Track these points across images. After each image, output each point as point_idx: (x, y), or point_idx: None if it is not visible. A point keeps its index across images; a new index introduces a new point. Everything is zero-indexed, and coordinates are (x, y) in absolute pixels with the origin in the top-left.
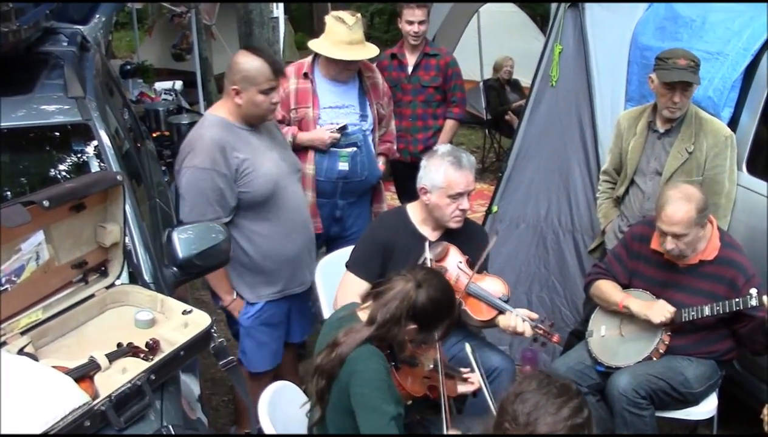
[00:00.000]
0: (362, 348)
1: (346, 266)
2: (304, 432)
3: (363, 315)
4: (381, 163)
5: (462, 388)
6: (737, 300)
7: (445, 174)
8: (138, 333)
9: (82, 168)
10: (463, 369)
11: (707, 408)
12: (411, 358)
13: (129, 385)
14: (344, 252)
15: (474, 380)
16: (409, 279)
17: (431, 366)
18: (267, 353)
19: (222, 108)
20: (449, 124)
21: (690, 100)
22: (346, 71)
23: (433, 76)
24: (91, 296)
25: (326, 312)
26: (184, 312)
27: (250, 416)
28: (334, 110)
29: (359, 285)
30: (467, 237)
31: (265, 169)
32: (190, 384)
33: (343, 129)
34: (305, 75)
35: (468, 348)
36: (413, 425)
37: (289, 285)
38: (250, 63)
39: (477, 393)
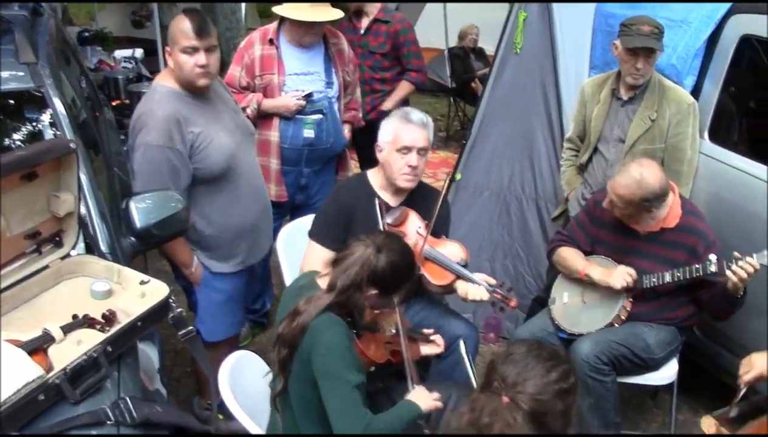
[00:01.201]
0: (323, 316)
1: (309, 235)
2: (267, 401)
3: (323, 282)
4: (347, 131)
5: (426, 350)
6: (697, 266)
7: (393, 127)
8: (94, 304)
9: (35, 136)
10: (426, 330)
11: (668, 373)
12: (372, 324)
13: (84, 357)
14: (306, 220)
15: (438, 341)
16: (368, 245)
17: (393, 330)
18: (226, 323)
19: (168, 76)
20: (403, 84)
21: (653, 67)
22: (309, 34)
23: (381, 43)
24: (46, 267)
25: (288, 281)
26: (142, 283)
27: (210, 387)
28: (300, 77)
29: (324, 254)
30: (428, 203)
31: (220, 140)
32: (150, 355)
33: (308, 96)
34: (270, 41)
35: (462, 346)
36: (376, 392)
37: (250, 257)
38: (176, 24)
39: (441, 357)
